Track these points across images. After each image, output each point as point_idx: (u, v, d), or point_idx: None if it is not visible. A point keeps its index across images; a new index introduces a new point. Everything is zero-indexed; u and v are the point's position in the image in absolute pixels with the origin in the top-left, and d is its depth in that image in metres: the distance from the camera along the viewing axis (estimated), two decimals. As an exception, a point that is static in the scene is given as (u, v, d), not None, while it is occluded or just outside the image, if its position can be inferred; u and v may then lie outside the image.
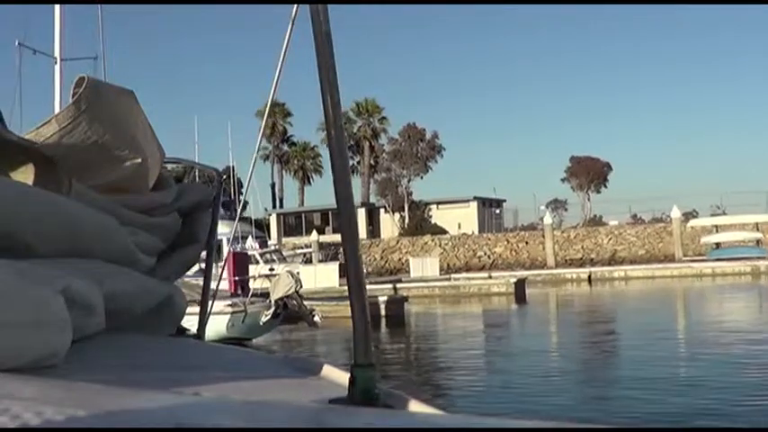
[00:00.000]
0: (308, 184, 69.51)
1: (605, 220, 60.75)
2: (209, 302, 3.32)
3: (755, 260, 38.95)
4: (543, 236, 49.37)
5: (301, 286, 18.02)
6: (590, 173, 67.03)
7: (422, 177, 61.46)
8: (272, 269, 27.89)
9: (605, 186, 69.28)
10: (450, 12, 79.75)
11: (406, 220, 57.96)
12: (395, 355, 17.46)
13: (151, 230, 2.23)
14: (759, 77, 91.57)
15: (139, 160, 2.06)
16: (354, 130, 66.27)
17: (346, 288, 1.46)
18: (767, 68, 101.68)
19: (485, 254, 51.95)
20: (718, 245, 43.24)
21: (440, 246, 52.34)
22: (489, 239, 53.30)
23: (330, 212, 57.47)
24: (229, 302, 18.04)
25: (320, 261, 39.39)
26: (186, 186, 2.66)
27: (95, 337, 1.65)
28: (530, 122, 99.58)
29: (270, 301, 17.77)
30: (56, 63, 17.13)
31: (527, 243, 51.44)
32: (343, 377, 1.53)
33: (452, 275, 40.12)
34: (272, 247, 38.84)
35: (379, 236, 58.30)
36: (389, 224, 59.16)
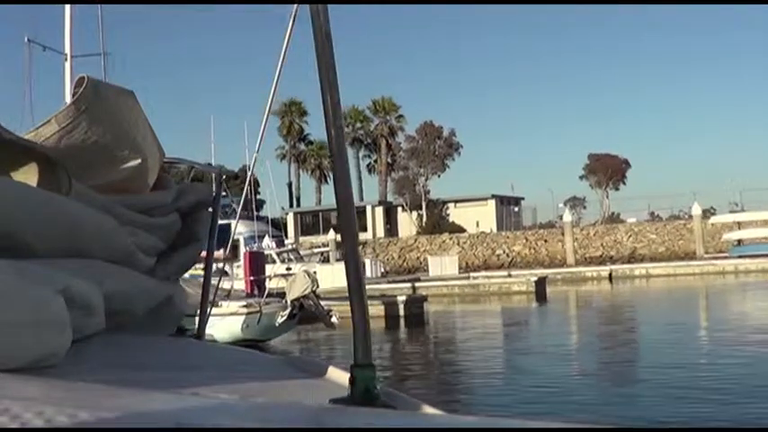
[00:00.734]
0: (325, 182, 69.52)
1: (623, 218, 60.42)
2: (210, 303, 3.33)
3: (779, 257, 38.55)
4: (562, 234, 49.16)
5: (318, 286, 17.68)
6: (608, 170, 66.59)
7: (439, 175, 61.45)
8: (288, 268, 27.87)
9: (624, 183, 68.93)
10: (467, 11, 79.62)
11: (424, 219, 57.84)
12: (416, 356, 17.44)
13: (151, 230, 2.22)
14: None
15: (139, 160, 2.05)
16: (371, 129, 66.28)
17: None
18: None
19: (503, 252, 51.80)
20: (739, 241, 42.85)
21: (458, 244, 52.25)
22: (508, 238, 53.13)
23: (347, 211, 57.25)
24: (244, 303, 17.86)
25: (337, 260, 39.37)
26: (186, 186, 2.66)
27: (95, 337, 1.65)
28: (548, 120, 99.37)
29: (286, 302, 17.49)
30: (66, 60, 17.17)
31: (546, 241, 51.22)
32: (343, 377, 1.52)
33: (471, 274, 40.03)
34: (289, 247, 38.85)
35: (397, 234, 58.27)
36: (407, 223, 59.09)
